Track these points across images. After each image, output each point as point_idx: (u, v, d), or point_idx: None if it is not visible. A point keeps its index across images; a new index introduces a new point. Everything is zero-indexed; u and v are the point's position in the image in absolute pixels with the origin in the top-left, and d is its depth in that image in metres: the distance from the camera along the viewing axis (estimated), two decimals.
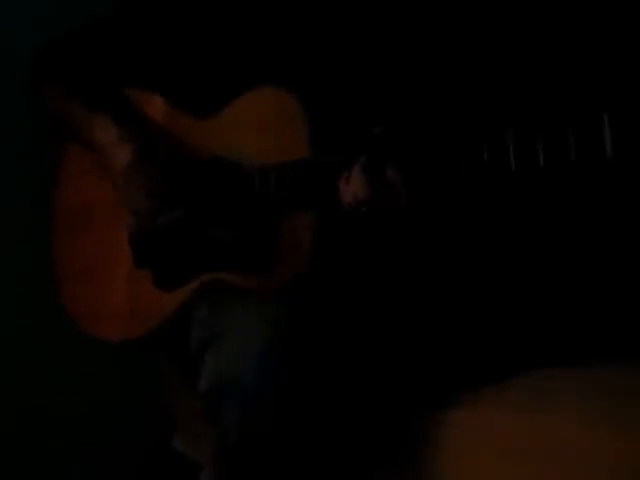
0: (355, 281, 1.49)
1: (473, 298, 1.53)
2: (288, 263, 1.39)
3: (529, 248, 1.55)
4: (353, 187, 1.30)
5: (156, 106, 1.56)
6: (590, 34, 1.49)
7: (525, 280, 1.55)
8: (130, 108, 1.55)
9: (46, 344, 1.85)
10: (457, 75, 1.55)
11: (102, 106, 1.53)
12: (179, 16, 1.57)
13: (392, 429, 1.45)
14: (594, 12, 1.49)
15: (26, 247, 1.80)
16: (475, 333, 1.50)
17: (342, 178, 1.31)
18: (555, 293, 1.54)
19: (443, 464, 1.40)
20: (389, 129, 1.28)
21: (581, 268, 1.54)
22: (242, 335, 1.33)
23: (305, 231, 1.38)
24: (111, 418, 1.93)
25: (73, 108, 1.56)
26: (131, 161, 1.47)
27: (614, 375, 1.37)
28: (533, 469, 1.31)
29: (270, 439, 1.31)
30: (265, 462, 1.32)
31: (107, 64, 1.60)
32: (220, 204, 1.48)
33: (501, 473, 1.34)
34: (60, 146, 1.65)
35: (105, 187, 1.55)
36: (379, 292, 1.50)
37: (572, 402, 1.32)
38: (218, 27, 1.55)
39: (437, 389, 1.44)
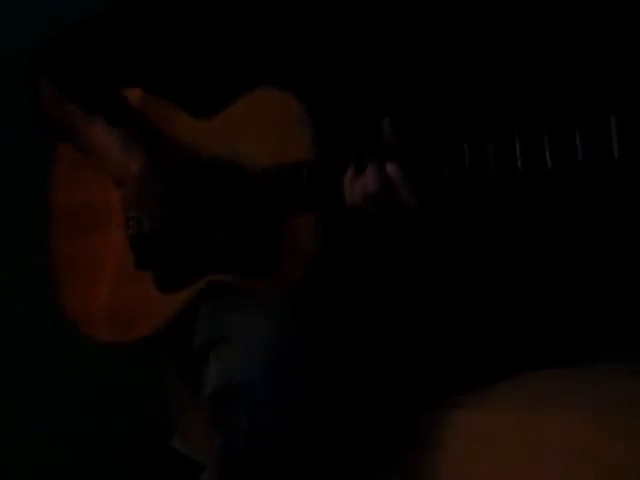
0: (358, 282, 1.49)
1: (474, 298, 1.54)
2: (293, 265, 1.39)
3: (534, 248, 1.56)
4: (364, 180, 1.29)
5: (156, 106, 1.56)
6: (598, 36, 1.50)
7: (526, 280, 1.55)
8: (129, 110, 1.55)
9: (46, 345, 1.85)
10: (463, 75, 1.55)
11: (100, 109, 1.53)
12: (179, 15, 1.57)
13: (393, 429, 1.45)
14: (602, 13, 1.49)
15: (26, 247, 1.79)
16: (476, 333, 1.50)
17: (348, 173, 1.31)
18: (556, 293, 1.55)
19: (443, 464, 1.39)
20: (395, 125, 1.28)
21: (583, 268, 1.55)
22: (247, 338, 1.33)
23: (309, 233, 1.38)
24: (111, 418, 1.93)
25: (69, 110, 1.55)
26: (142, 169, 1.47)
27: (615, 375, 1.38)
28: (533, 469, 1.30)
29: (277, 441, 1.30)
30: (271, 463, 1.32)
31: (105, 64, 1.59)
32: (223, 206, 1.48)
33: (501, 473, 1.34)
34: (51, 147, 1.64)
35: (99, 187, 1.55)
36: (382, 292, 1.50)
37: (573, 402, 1.32)
38: (219, 27, 1.54)
39: (437, 389, 1.44)
